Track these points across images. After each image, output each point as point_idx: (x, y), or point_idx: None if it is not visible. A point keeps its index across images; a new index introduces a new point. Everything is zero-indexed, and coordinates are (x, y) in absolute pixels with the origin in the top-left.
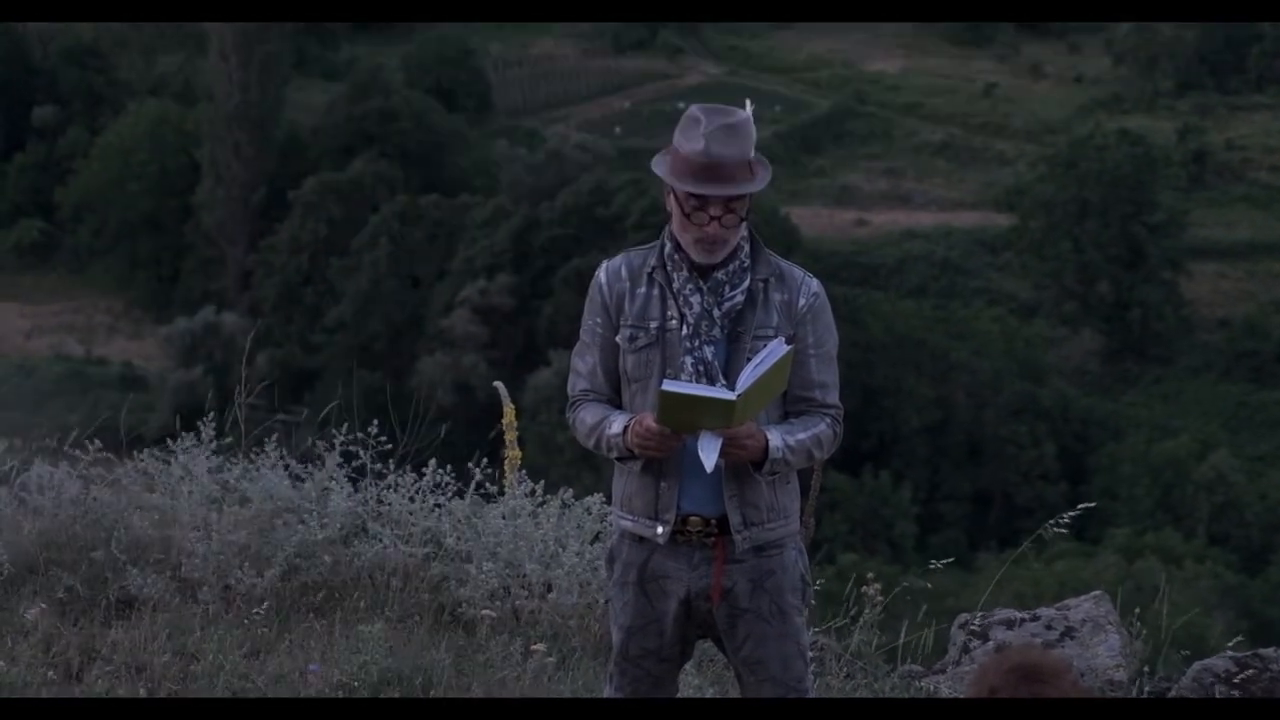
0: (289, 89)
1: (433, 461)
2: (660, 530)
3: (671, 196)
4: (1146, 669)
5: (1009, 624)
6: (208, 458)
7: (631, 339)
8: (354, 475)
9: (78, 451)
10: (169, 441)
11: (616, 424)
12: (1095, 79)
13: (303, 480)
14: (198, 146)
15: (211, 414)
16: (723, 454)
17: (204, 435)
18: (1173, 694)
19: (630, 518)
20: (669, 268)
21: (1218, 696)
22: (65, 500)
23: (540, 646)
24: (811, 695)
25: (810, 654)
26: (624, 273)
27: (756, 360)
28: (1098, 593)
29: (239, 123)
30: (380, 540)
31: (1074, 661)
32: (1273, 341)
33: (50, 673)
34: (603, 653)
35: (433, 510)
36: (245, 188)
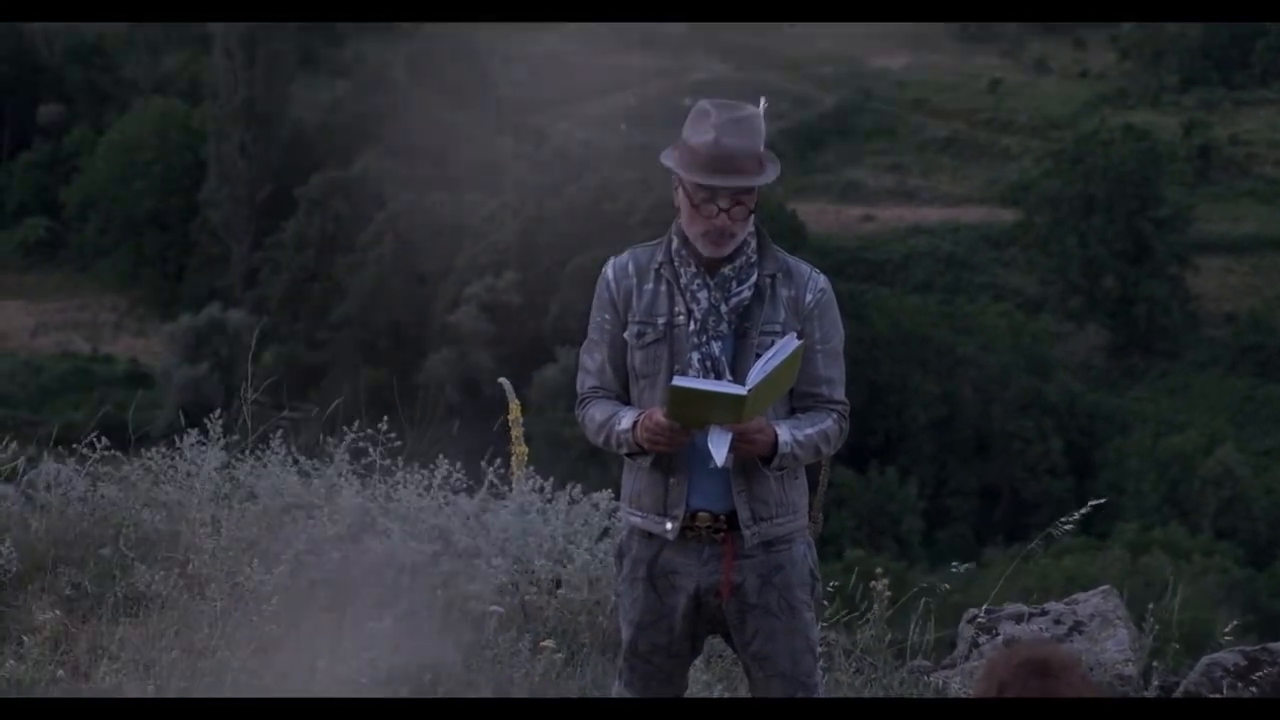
0: (294, 86)
1: (441, 458)
2: (669, 526)
3: (680, 190)
4: (1155, 663)
5: (1018, 619)
6: (216, 453)
7: (639, 335)
8: (362, 471)
9: (85, 449)
10: (176, 438)
11: (625, 420)
12: (1101, 74)
13: (311, 476)
14: (203, 144)
15: (220, 411)
16: (732, 449)
17: (213, 432)
18: (1181, 688)
19: (639, 514)
20: (676, 263)
21: (1226, 691)
22: (73, 497)
23: (549, 643)
24: (820, 690)
25: (819, 649)
26: (631, 269)
27: (767, 356)
28: (1106, 587)
29: (244, 120)
30: (389, 536)
31: (1083, 656)
32: (1279, 336)
33: (59, 670)
34: (612, 649)
35: (441, 506)
36: (251, 185)
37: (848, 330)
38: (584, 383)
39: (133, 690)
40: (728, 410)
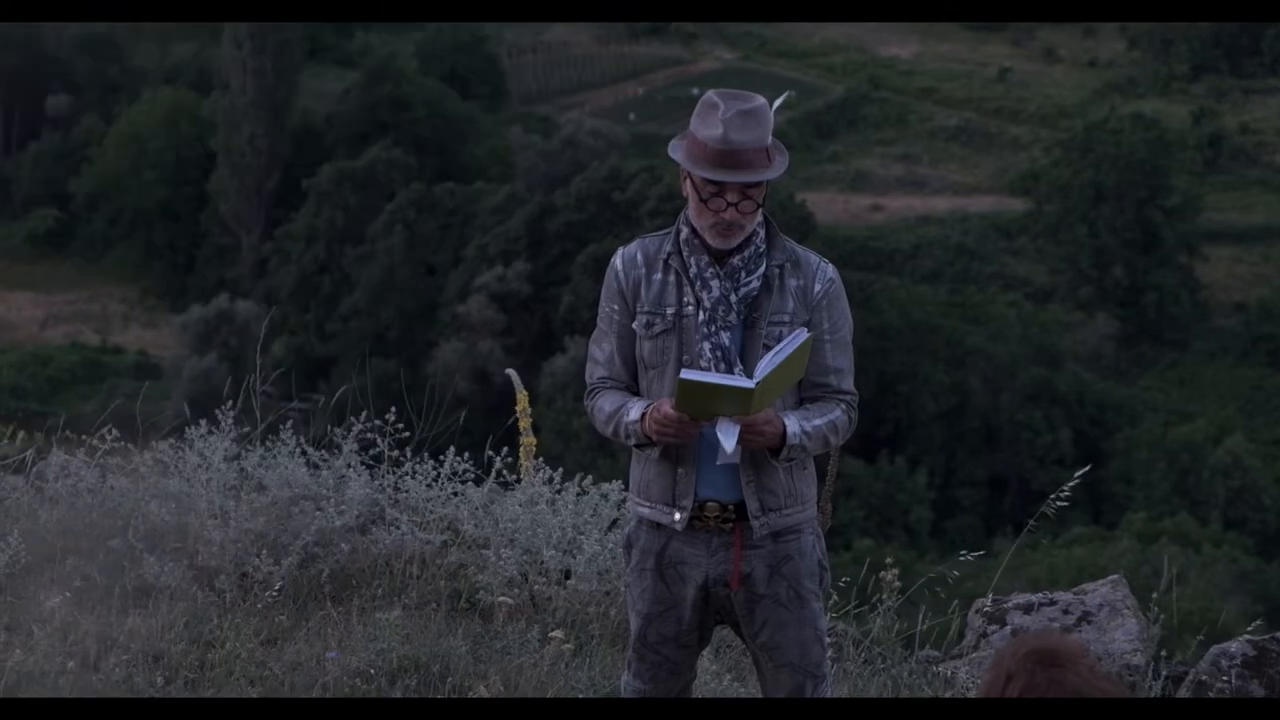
0: (303, 77)
1: (451, 449)
2: (678, 517)
3: (688, 182)
4: (1164, 653)
5: (1026, 609)
6: (224, 445)
7: (648, 325)
8: (371, 463)
9: (94, 440)
10: (185, 430)
11: (634, 411)
12: (1110, 63)
13: (320, 468)
14: (212, 134)
15: (230, 402)
16: (740, 440)
17: (223, 423)
18: (1190, 679)
19: (648, 504)
20: (685, 253)
21: (1234, 681)
22: (82, 488)
23: (558, 633)
24: (829, 681)
25: (828, 639)
26: (640, 259)
27: (777, 348)
28: (1115, 577)
29: (253, 111)
30: (398, 527)
31: (1091, 646)
32: None
33: (68, 661)
34: (620, 639)
35: (450, 497)
36: (260, 176)
37: (856, 320)
38: (593, 373)
39: (141, 681)
40: (736, 403)
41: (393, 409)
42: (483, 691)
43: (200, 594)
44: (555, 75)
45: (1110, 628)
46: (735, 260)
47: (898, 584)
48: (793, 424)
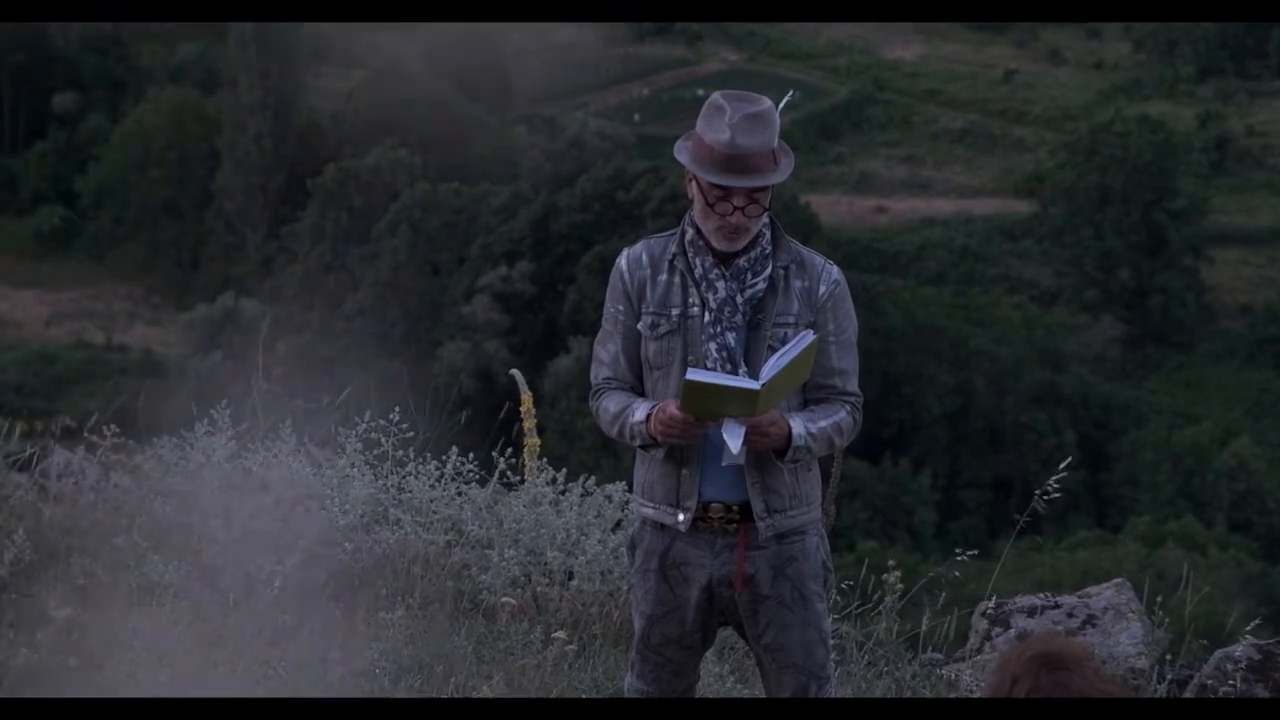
0: (309, 76)
1: (454, 449)
2: (682, 518)
3: (694, 184)
4: (1168, 657)
5: (1030, 611)
6: (227, 444)
7: (653, 326)
8: (374, 462)
9: (97, 438)
10: (188, 428)
11: (639, 412)
12: (1115, 65)
13: (323, 467)
14: (218, 133)
15: (228, 400)
16: (746, 442)
17: (221, 422)
18: (1195, 681)
19: (652, 505)
20: (690, 254)
21: (1239, 684)
22: (86, 487)
23: (561, 634)
24: (833, 683)
25: (831, 641)
26: (645, 260)
27: (783, 350)
28: (1119, 580)
29: (259, 110)
30: (401, 527)
31: (1096, 649)
32: None
33: (71, 660)
34: (624, 640)
35: (454, 497)
36: (265, 175)
37: (861, 322)
38: (598, 374)
39: (146, 680)
40: (742, 404)
41: (396, 408)
42: (486, 692)
43: (204, 593)
44: (561, 75)
45: (1115, 631)
46: (741, 261)
47: (900, 586)
48: (798, 425)
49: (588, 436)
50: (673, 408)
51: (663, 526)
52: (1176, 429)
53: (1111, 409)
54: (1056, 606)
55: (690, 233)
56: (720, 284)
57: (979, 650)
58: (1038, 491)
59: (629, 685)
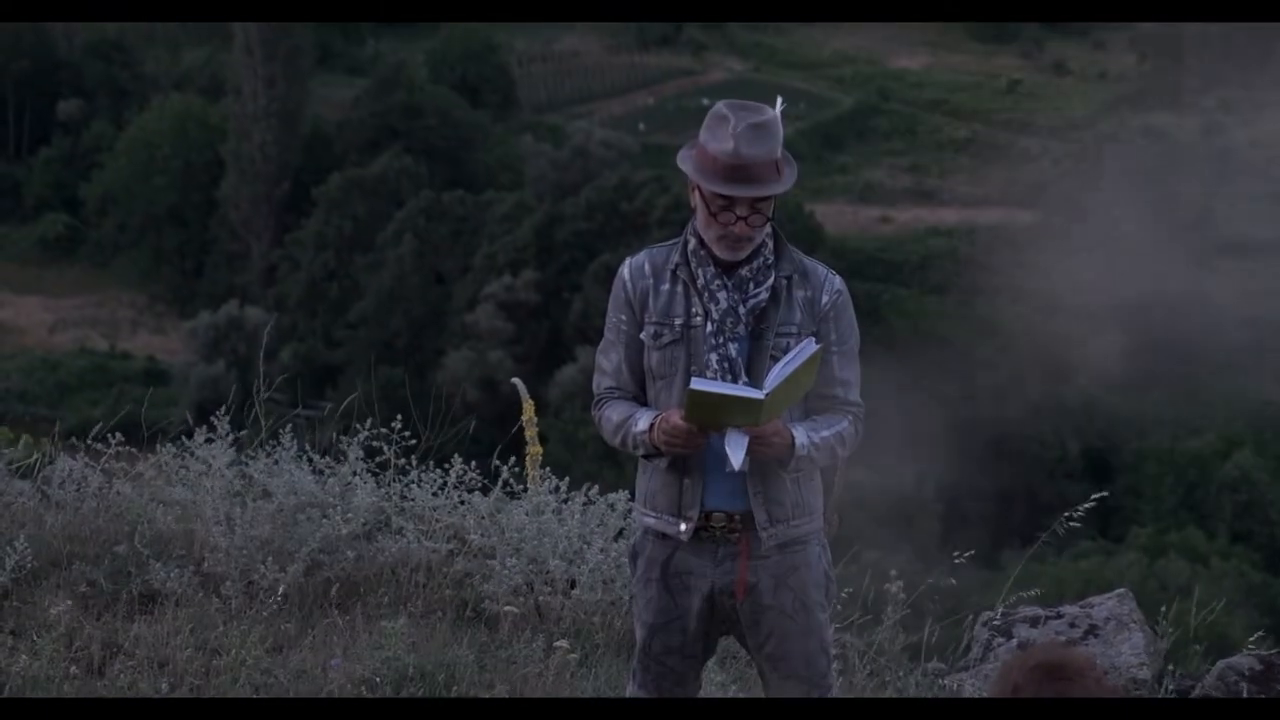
0: (314, 84)
1: (456, 457)
2: (684, 527)
3: (697, 193)
4: (1170, 667)
5: (1033, 622)
6: (227, 451)
7: (656, 335)
8: (377, 470)
9: (100, 445)
10: (190, 436)
11: (642, 421)
12: (1119, 75)
13: (325, 475)
14: (223, 141)
15: (228, 408)
16: (749, 452)
17: (221, 429)
18: (1197, 692)
19: (654, 514)
20: (693, 264)
21: (1241, 695)
22: (88, 494)
23: (563, 643)
24: (834, 692)
25: (833, 651)
26: (647, 269)
27: (785, 359)
28: (1121, 590)
29: (264, 117)
30: (403, 536)
31: (1098, 659)
32: None
33: (73, 667)
34: (626, 650)
35: (456, 506)
36: (270, 182)
37: (865, 331)
38: (600, 383)
39: (147, 688)
40: (745, 413)
41: (399, 416)
42: None
43: (206, 601)
44: (565, 84)
45: (1117, 641)
46: (744, 271)
47: (903, 596)
48: (801, 435)
49: (591, 446)
50: (676, 417)
51: (665, 536)
52: (1179, 440)
53: (1115, 420)
54: (1059, 616)
55: (693, 242)
56: (722, 294)
57: (981, 660)
58: (1065, 515)
59: (631, 695)
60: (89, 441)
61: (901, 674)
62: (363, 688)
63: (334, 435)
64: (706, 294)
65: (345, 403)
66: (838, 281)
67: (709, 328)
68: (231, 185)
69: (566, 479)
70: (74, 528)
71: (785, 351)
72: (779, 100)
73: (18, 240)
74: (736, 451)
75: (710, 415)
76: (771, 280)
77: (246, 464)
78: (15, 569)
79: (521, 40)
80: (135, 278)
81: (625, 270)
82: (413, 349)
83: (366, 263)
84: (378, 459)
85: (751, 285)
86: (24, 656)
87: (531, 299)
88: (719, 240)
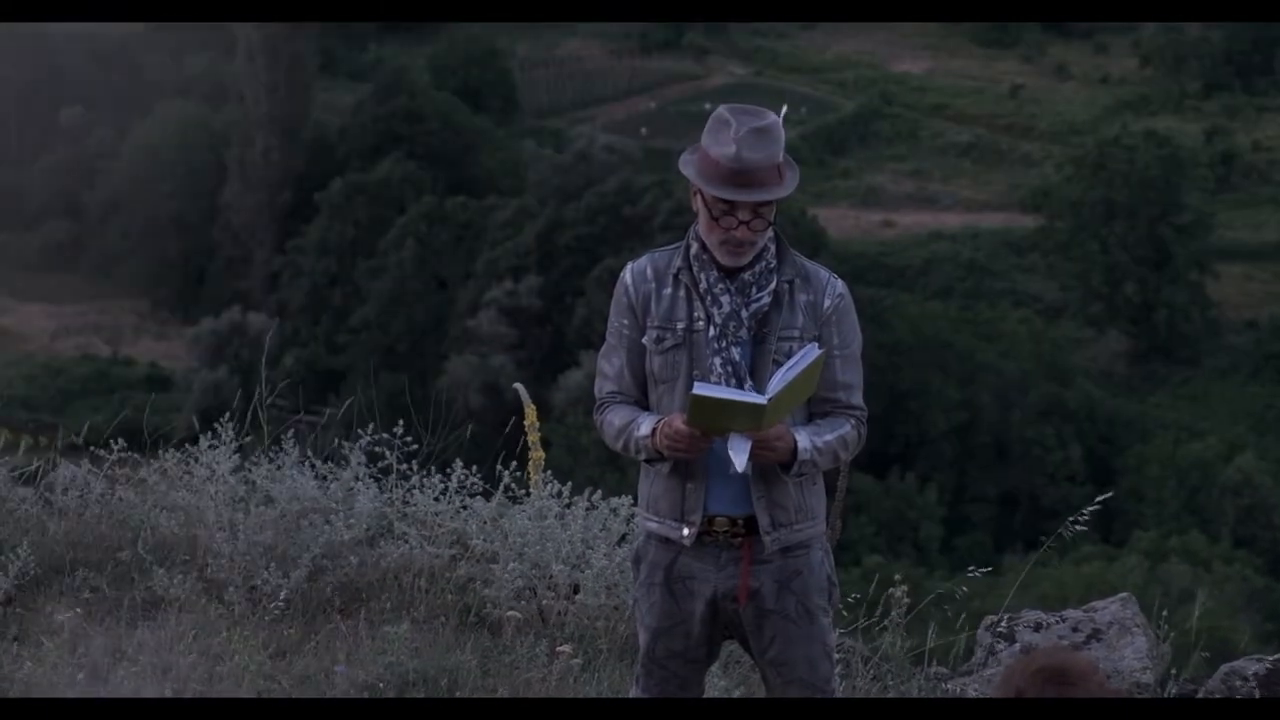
0: (316, 90)
1: (458, 462)
2: (686, 532)
3: (699, 198)
4: (1174, 671)
5: (1036, 626)
6: (230, 458)
7: (658, 340)
8: (379, 476)
9: (103, 452)
10: (193, 443)
11: (645, 426)
12: (1122, 80)
13: (328, 480)
14: (225, 147)
15: (230, 414)
16: (752, 456)
17: (224, 435)
18: (1200, 696)
19: (657, 519)
20: (696, 268)
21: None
22: (91, 500)
23: (566, 648)
24: (837, 697)
25: (836, 656)
26: (649, 273)
27: (788, 364)
28: (1124, 595)
29: (266, 124)
30: (406, 541)
31: (1101, 663)
32: None
33: (77, 673)
34: (629, 654)
35: (459, 511)
36: (272, 189)
37: (867, 336)
38: (602, 388)
39: (150, 693)
40: (748, 418)
41: (401, 422)
42: None
43: (209, 606)
44: (567, 89)
45: (1120, 645)
46: (746, 275)
47: (906, 600)
48: (804, 439)
49: (594, 451)
50: (679, 422)
51: (668, 540)
52: (1182, 444)
53: (1117, 423)
54: (1062, 621)
55: (695, 246)
56: (725, 298)
57: (984, 665)
58: (1070, 519)
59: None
60: (92, 447)
61: (904, 679)
62: (366, 693)
63: (336, 441)
64: (709, 298)
65: (346, 407)
66: (840, 285)
67: (711, 332)
68: (234, 191)
69: (569, 483)
70: (77, 534)
71: (788, 356)
72: (784, 108)
73: (20, 247)
74: (739, 454)
75: (713, 419)
76: (774, 284)
77: (249, 470)
78: (19, 575)
79: (523, 45)
80: (138, 284)
81: (627, 274)
82: (415, 354)
83: (369, 268)
84: (380, 464)
85: (754, 289)
86: (28, 663)
87: (534, 304)
88: (721, 245)
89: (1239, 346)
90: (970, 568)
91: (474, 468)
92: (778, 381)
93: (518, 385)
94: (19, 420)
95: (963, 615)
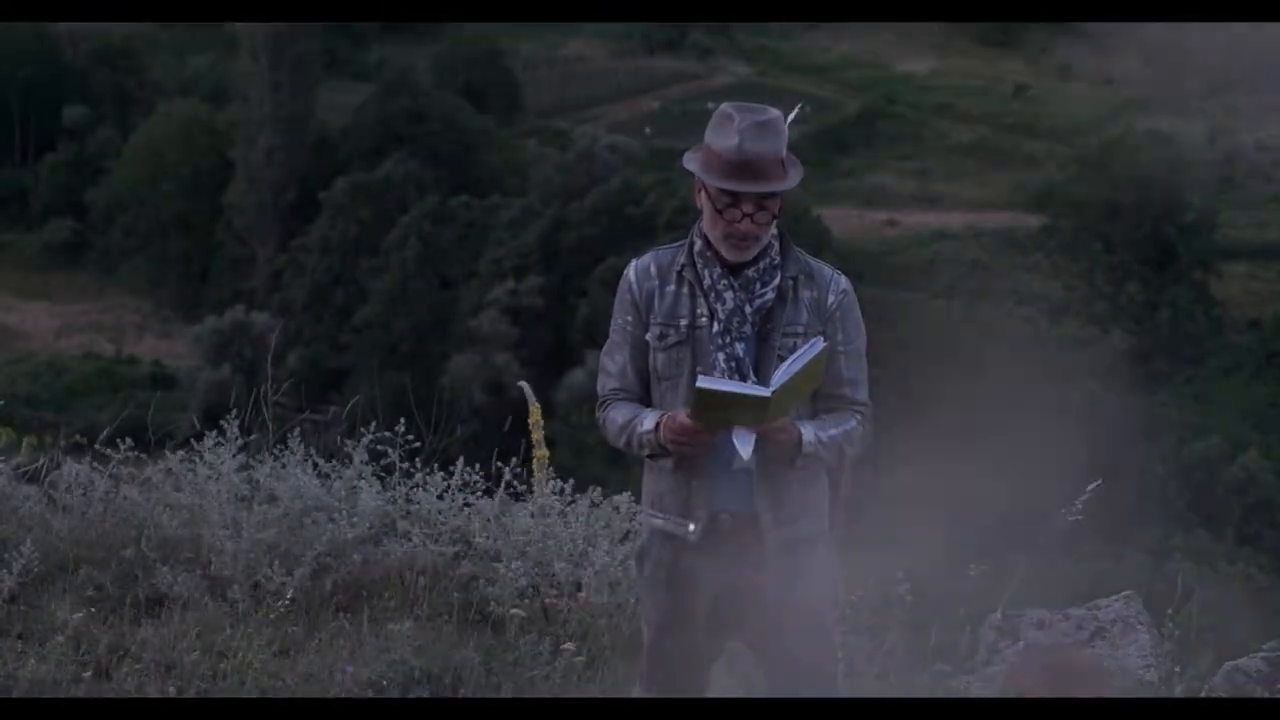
0: (320, 89)
1: (461, 460)
2: (692, 528)
3: (703, 193)
4: (1177, 669)
5: (1040, 624)
6: (234, 456)
7: (661, 337)
8: (382, 474)
9: (107, 450)
10: (197, 441)
11: (648, 421)
12: (1125, 79)
13: (331, 478)
14: (229, 147)
15: (235, 411)
16: (756, 448)
17: (229, 433)
18: (1204, 694)
19: (661, 516)
20: (699, 265)
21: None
22: (95, 499)
23: (569, 645)
24: (841, 694)
25: (840, 653)
26: (653, 270)
27: (793, 357)
28: (1128, 593)
29: (270, 123)
30: (409, 539)
31: (1104, 661)
32: None
33: (81, 670)
34: (632, 652)
35: (462, 509)
36: (276, 188)
37: (871, 335)
38: (604, 385)
39: (154, 691)
40: (752, 411)
41: (403, 420)
42: None
43: (212, 604)
44: (571, 88)
45: (1123, 643)
46: (750, 272)
47: (910, 598)
48: (808, 433)
49: (597, 450)
50: (683, 416)
51: (672, 537)
52: (1185, 443)
53: (1120, 422)
54: (1066, 618)
55: (699, 243)
56: (729, 294)
57: (988, 662)
58: (1062, 510)
59: (638, 697)
60: (96, 446)
61: (908, 676)
62: (370, 691)
63: (339, 439)
64: (713, 294)
65: (350, 406)
66: (844, 281)
67: (715, 328)
68: (237, 191)
69: (571, 481)
70: (81, 532)
71: (792, 352)
72: (800, 104)
73: (24, 246)
74: (744, 445)
75: (717, 413)
76: (778, 280)
77: (253, 468)
78: (22, 573)
79: (527, 45)
80: (141, 283)
81: (631, 272)
82: (418, 353)
83: (372, 267)
84: (383, 462)
85: (758, 285)
86: (32, 661)
87: (537, 304)
88: (725, 239)
89: (1242, 345)
90: (972, 566)
91: (477, 466)
92: (782, 374)
93: (522, 383)
94: (23, 418)
95: (967, 612)
